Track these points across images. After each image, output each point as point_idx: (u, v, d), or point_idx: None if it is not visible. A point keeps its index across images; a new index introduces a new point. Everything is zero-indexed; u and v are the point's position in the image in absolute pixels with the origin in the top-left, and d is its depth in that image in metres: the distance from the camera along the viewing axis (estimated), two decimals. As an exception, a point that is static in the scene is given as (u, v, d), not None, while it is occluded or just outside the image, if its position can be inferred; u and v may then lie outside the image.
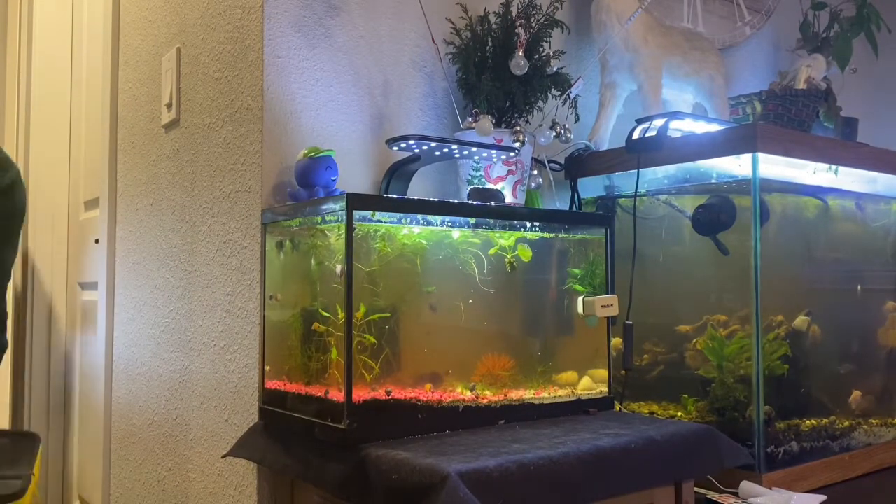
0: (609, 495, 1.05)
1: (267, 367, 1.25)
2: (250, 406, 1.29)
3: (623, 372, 1.41)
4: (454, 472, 0.88)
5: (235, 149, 1.36)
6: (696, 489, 1.23)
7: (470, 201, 1.28)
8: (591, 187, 1.63)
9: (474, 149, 1.30)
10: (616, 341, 1.39)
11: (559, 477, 0.98)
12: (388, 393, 1.10)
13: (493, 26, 1.42)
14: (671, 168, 1.48)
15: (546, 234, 1.31)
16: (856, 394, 1.64)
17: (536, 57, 1.41)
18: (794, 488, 1.33)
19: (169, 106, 1.62)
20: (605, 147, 1.66)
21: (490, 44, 1.42)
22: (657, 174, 1.51)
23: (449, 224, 1.19)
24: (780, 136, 1.43)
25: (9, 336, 1.94)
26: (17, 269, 2.66)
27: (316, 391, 1.12)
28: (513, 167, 1.39)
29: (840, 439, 1.52)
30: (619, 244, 1.40)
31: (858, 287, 1.73)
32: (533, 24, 1.42)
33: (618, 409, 1.38)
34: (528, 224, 1.28)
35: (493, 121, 1.37)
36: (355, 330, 1.06)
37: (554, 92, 1.45)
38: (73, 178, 2.40)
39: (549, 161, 1.58)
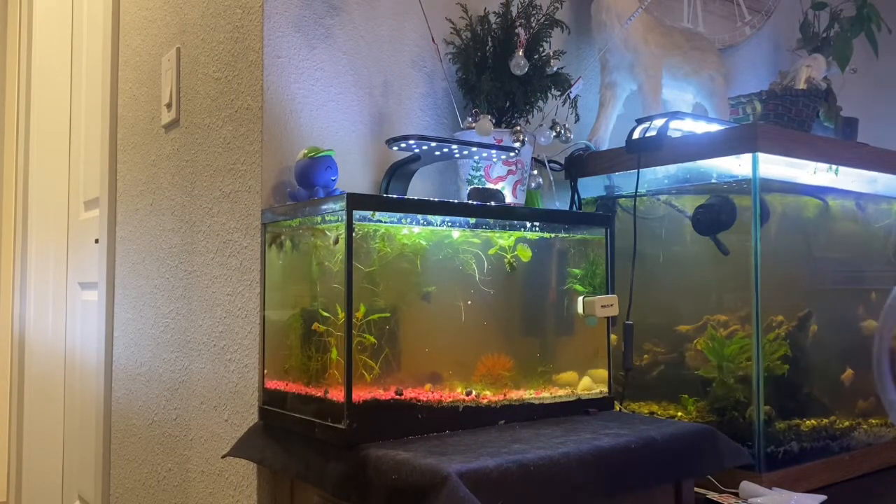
0: (609, 495, 1.05)
1: (266, 368, 1.25)
2: (250, 406, 1.29)
3: (623, 372, 1.41)
4: (454, 472, 0.88)
5: (235, 149, 1.36)
6: (696, 489, 1.23)
7: (470, 201, 1.28)
8: (591, 187, 1.63)
9: (474, 149, 1.30)
10: (615, 339, 1.39)
11: (559, 477, 0.97)
12: (398, 392, 1.10)
13: (493, 26, 1.42)
14: (671, 168, 1.48)
15: (546, 234, 1.31)
16: (849, 372, 1.63)
17: (536, 57, 1.41)
18: (795, 488, 1.33)
19: (169, 106, 1.62)
20: (605, 147, 1.66)
21: (490, 44, 1.42)
22: (657, 174, 1.51)
23: (449, 224, 1.19)
24: (780, 136, 1.43)
25: (9, 337, 1.93)
26: (17, 269, 2.66)
27: (316, 391, 1.12)
28: (513, 167, 1.39)
29: (840, 439, 1.52)
30: (619, 244, 1.40)
31: (863, 287, 1.73)
32: (533, 24, 1.42)
33: (618, 409, 1.38)
34: (528, 224, 1.28)
35: (493, 121, 1.37)
36: (355, 330, 1.06)
37: (554, 92, 1.44)
38: (72, 178, 2.40)
39: (549, 161, 1.58)
